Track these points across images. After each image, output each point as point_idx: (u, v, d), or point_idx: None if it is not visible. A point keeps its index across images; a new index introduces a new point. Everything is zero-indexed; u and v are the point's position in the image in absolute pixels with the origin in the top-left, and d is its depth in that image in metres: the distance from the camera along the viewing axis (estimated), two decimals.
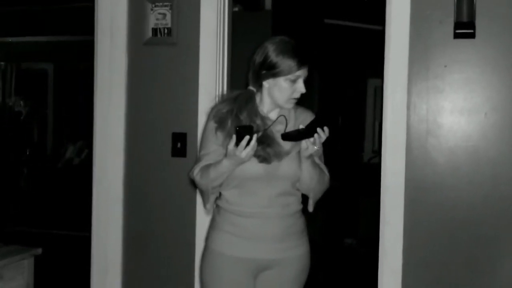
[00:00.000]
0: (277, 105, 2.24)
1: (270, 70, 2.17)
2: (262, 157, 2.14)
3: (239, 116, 2.19)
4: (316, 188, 2.24)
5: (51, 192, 7.27)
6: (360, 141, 7.51)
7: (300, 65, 2.15)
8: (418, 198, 2.83)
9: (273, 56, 2.16)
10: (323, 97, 6.40)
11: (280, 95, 2.19)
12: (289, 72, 2.15)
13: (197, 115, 3.10)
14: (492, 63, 2.74)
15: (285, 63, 2.15)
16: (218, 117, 2.22)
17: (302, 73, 2.17)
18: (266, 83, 2.20)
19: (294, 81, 2.17)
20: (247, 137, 2.02)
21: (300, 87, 2.18)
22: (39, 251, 2.86)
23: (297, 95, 2.20)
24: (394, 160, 2.85)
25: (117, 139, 3.25)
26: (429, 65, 2.81)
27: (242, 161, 2.09)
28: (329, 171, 2.32)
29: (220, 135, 2.21)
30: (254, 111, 2.21)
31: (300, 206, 2.29)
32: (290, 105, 2.22)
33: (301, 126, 2.11)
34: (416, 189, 2.83)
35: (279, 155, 2.16)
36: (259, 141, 2.10)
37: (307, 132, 2.08)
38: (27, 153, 7.96)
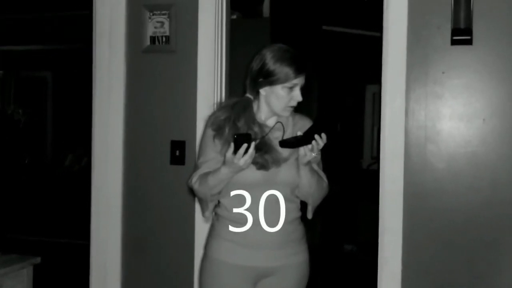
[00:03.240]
0: (274, 113, 2.24)
1: (267, 77, 2.16)
2: (260, 164, 2.14)
3: (236, 123, 2.18)
4: (315, 194, 2.24)
5: (50, 200, 7.26)
6: (359, 147, 7.51)
7: (297, 73, 2.15)
8: (417, 203, 2.83)
9: (271, 64, 2.16)
10: (322, 104, 6.40)
11: (277, 103, 2.19)
12: (286, 80, 2.15)
13: (196, 123, 3.10)
14: (490, 68, 2.75)
15: (282, 71, 2.14)
16: (216, 125, 2.22)
17: (299, 81, 2.17)
18: (263, 91, 2.20)
19: (291, 89, 2.17)
20: (245, 145, 2.02)
21: (297, 95, 2.17)
22: (38, 260, 2.86)
23: (294, 103, 2.20)
24: (393, 166, 2.85)
25: (115, 146, 3.25)
26: (428, 71, 2.81)
27: (241, 169, 2.09)
28: (329, 177, 2.32)
29: (218, 143, 2.21)
30: (252, 118, 2.21)
31: (299, 213, 2.29)
32: (287, 113, 2.22)
33: (299, 133, 2.11)
34: (415, 194, 2.83)
35: (277, 162, 2.16)
36: (257, 148, 2.10)
37: (305, 139, 2.07)
38: (26, 161, 7.95)
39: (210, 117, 2.29)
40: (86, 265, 3.35)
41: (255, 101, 2.25)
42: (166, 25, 3.13)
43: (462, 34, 2.72)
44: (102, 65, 3.27)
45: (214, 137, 2.21)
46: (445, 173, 2.80)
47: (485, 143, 2.76)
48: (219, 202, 2.27)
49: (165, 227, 3.19)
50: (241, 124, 2.18)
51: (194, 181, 2.23)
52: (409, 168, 2.83)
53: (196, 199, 2.86)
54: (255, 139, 2.09)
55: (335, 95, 7.01)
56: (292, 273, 2.25)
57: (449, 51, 2.78)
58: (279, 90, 2.17)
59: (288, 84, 2.16)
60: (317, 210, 2.34)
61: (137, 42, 3.21)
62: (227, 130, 2.18)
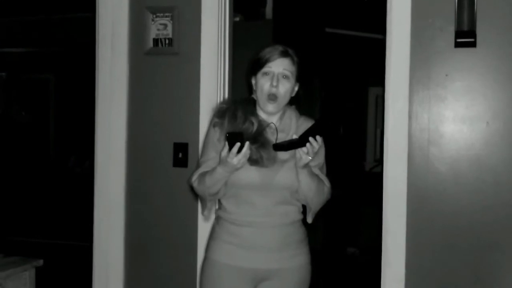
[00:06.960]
0: (263, 110, 2.24)
1: (253, 66, 2.22)
2: (254, 160, 2.12)
3: (236, 113, 2.20)
4: (315, 199, 2.22)
5: (52, 202, 7.27)
6: (362, 150, 7.50)
7: (274, 55, 2.18)
8: (420, 206, 2.83)
9: (259, 53, 2.21)
10: (324, 106, 6.40)
11: (260, 94, 2.21)
12: (264, 63, 2.18)
13: (199, 125, 3.10)
14: (493, 71, 2.74)
15: (263, 56, 2.19)
16: (219, 113, 2.24)
17: (276, 67, 2.18)
18: (253, 84, 2.24)
19: (267, 75, 2.18)
20: (238, 144, 2.02)
21: (274, 83, 2.17)
22: (41, 262, 2.87)
23: (271, 91, 2.19)
24: (396, 169, 2.85)
25: (118, 149, 3.25)
26: (431, 73, 2.81)
27: (235, 168, 2.09)
28: (331, 180, 2.31)
29: (218, 144, 2.21)
30: (251, 111, 2.23)
31: (300, 216, 2.28)
32: (270, 107, 2.21)
33: (295, 136, 2.10)
34: (418, 197, 2.83)
35: (272, 160, 2.15)
36: (253, 141, 2.10)
37: (299, 142, 2.06)
38: (29, 163, 7.95)
39: (213, 110, 2.32)
40: (88, 267, 3.35)
41: (257, 103, 2.27)
42: (169, 27, 3.13)
43: (465, 36, 2.72)
44: (105, 67, 3.27)
45: (214, 125, 2.23)
46: (448, 176, 2.80)
47: (488, 146, 2.75)
48: (220, 204, 2.27)
49: (167, 230, 3.19)
50: (240, 114, 2.20)
51: (194, 180, 2.25)
52: (412, 171, 2.83)
53: (198, 199, 2.87)
54: (248, 138, 2.09)
55: (338, 97, 7.01)
56: (292, 275, 2.25)
57: (452, 53, 2.77)
58: (260, 78, 2.19)
59: (265, 69, 2.17)
60: (320, 213, 2.33)
61: (140, 44, 3.21)
62: (226, 119, 2.20)
